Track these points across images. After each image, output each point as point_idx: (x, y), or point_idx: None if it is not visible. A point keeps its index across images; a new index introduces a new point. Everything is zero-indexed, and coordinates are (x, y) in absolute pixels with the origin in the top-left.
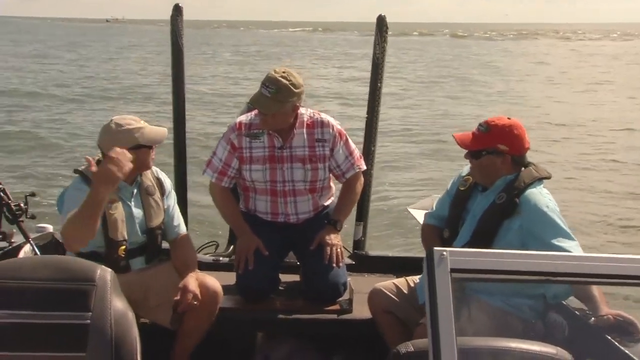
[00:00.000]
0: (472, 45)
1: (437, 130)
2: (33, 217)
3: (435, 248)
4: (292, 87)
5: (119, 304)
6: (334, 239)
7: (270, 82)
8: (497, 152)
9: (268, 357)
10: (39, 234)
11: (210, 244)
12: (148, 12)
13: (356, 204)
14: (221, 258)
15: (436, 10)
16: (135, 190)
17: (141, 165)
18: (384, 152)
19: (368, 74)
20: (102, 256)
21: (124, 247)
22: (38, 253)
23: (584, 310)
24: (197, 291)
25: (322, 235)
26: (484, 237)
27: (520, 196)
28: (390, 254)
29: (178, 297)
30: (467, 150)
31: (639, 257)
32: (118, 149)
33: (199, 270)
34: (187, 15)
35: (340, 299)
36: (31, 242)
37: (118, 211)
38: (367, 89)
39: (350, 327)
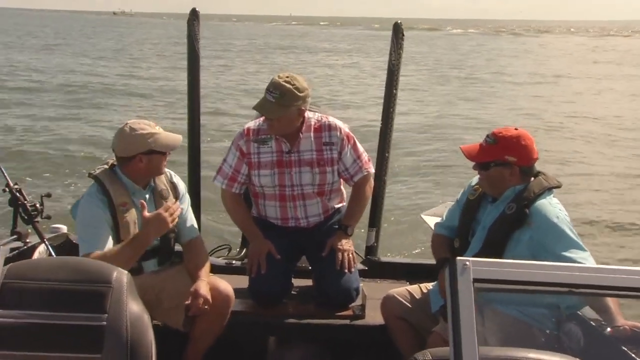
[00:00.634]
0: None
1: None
2: (48, 217)
3: (458, 258)
4: (296, 91)
5: (134, 306)
6: (345, 244)
7: (274, 87)
8: (505, 164)
9: None
10: (54, 235)
11: (223, 247)
12: (155, 5)
13: (369, 210)
14: (234, 261)
15: (446, 6)
16: (148, 195)
17: (153, 170)
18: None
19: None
20: None
21: None
22: (53, 253)
23: (600, 321)
24: (209, 296)
25: (334, 241)
26: (494, 248)
27: (530, 207)
28: (403, 260)
29: (189, 302)
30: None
31: None
32: (173, 205)
33: (211, 274)
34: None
35: (353, 304)
36: (46, 242)
37: (130, 215)
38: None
39: (363, 333)
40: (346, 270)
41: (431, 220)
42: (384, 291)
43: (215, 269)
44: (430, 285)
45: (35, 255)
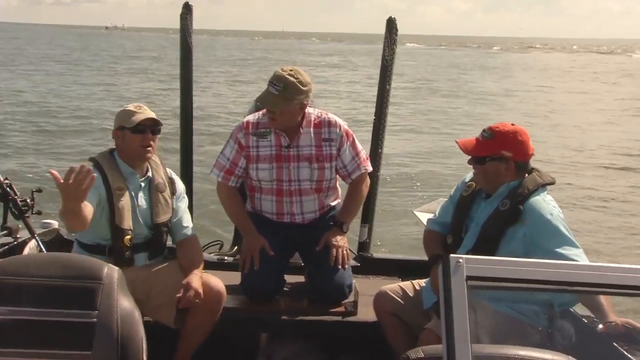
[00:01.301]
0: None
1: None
2: (39, 212)
3: (452, 255)
4: (299, 85)
5: (125, 302)
6: (339, 240)
7: (277, 80)
8: (501, 159)
9: (271, 357)
10: (45, 230)
11: (215, 243)
12: (147, 20)
13: (362, 206)
14: (226, 258)
15: (439, 22)
16: (143, 184)
17: (130, 149)
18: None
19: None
20: (107, 248)
21: (129, 236)
22: (43, 249)
23: (592, 318)
24: (200, 290)
25: (328, 236)
26: (487, 244)
27: (524, 203)
28: (395, 256)
29: (180, 294)
30: (470, 156)
31: None
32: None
33: (203, 270)
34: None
35: (345, 300)
36: (36, 237)
37: (125, 200)
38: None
39: (355, 329)
40: (339, 267)
41: (424, 217)
42: (377, 287)
43: (207, 265)
44: (422, 282)
45: (26, 251)
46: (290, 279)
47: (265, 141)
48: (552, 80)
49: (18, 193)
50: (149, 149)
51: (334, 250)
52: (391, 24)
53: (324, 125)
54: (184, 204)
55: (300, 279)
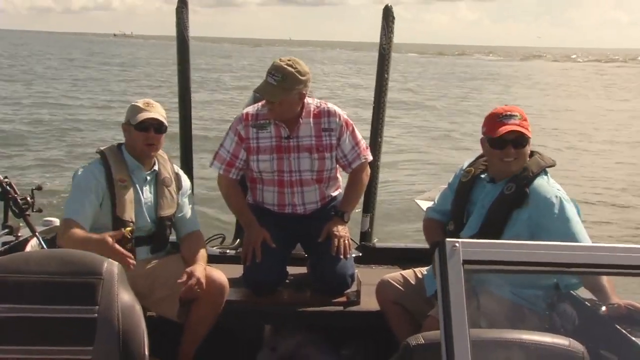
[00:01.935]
0: None
1: None
2: (40, 210)
3: (447, 239)
4: (297, 75)
5: (126, 297)
6: (341, 230)
7: (276, 70)
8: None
9: (275, 349)
10: (46, 228)
11: (217, 236)
12: (156, 28)
13: (363, 196)
14: (228, 251)
15: (446, 31)
16: (149, 177)
17: (135, 146)
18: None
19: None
20: None
21: (130, 228)
22: (45, 247)
23: (594, 300)
24: (203, 280)
25: (330, 226)
26: (493, 228)
27: (529, 186)
28: (397, 245)
29: (183, 279)
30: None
31: None
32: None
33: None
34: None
35: (348, 290)
36: (37, 235)
37: (128, 192)
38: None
39: (358, 319)
40: (341, 256)
41: (425, 205)
42: (379, 277)
43: (210, 259)
44: (424, 270)
45: (27, 249)
46: (292, 270)
47: (265, 132)
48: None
49: (18, 191)
50: (151, 146)
51: (336, 240)
52: (387, 12)
53: (323, 115)
54: (189, 200)
55: (303, 270)
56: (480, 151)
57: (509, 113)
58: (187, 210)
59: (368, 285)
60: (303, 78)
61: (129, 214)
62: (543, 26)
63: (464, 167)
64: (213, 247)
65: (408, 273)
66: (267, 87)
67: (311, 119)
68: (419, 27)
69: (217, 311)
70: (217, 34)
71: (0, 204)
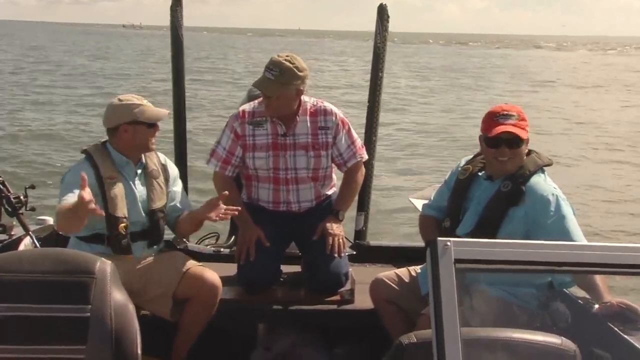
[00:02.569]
0: None
1: None
2: (33, 209)
3: (439, 238)
4: (295, 70)
5: (118, 296)
6: (336, 229)
7: (273, 65)
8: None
9: (269, 348)
10: (39, 226)
11: (211, 234)
12: (165, 19)
13: (357, 194)
14: (222, 249)
15: (455, 20)
16: (139, 171)
17: (140, 143)
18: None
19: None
20: (105, 237)
21: (124, 224)
22: (38, 245)
23: (587, 299)
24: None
25: (324, 225)
26: (488, 225)
27: (525, 184)
28: (391, 243)
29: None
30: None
31: None
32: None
33: (197, 263)
34: (199, 22)
35: (342, 289)
36: (31, 234)
37: (118, 188)
38: None
39: (352, 318)
40: (335, 255)
41: (419, 203)
42: (373, 275)
43: (204, 257)
44: (418, 268)
45: (21, 248)
46: (286, 268)
47: (261, 130)
48: None
49: (11, 190)
50: (154, 140)
51: (330, 239)
52: (382, 11)
53: (320, 113)
54: (178, 187)
55: (297, 268)
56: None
57: (506, 112)
58: (177, 197)
59: (362, 283)
60: (301, 74)
61: (122, 211)
62: (554, 15)
63: (461, 165)
64: (207, 245)
65: (402, 272)
66: (264, 81)
67: (308, 117)
68: (429, 16)
69: (210, 310)
70: (226, 25)
71: None
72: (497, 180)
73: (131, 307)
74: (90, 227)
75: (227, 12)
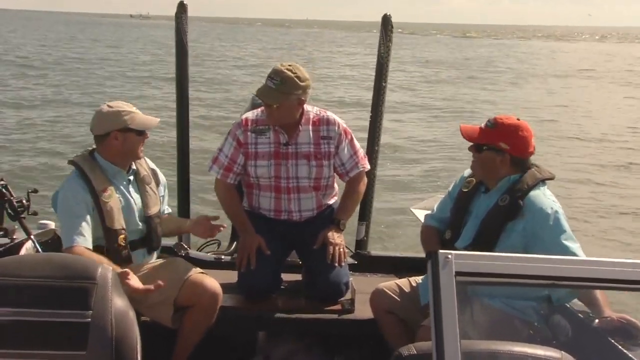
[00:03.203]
0: None
1: None
2: (35, 213)
3: (440, 251)
4: (297, 80)
5: (119, 302)
6: (337, 238)
7: (275, 74)
8: (497, 150)
9: (269, 356)
10: (41, 231)
11: (212, 242)
12: (171, 9)
13: (359, 204)
14: (223, 256)
15: (465, 11)
16: (131, 178)
17: (130, 151)
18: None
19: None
20: (104, 249)
21: (123, 235)
22: (40, 250)
23: (587, 313)
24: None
25: (326, 234)
26: (486, 239)
27: (524, 198)
28: (392, 254)
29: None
30: (471, 143)
31: None
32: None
33: (198, 270)
34: (200, 12)
35: (342, 298)
36: (33, 238)
37: (113, 200)
38: None
39: (352, 327)
40: (336, 264)
41: (421, 214)
42: (374, 285)
43: (205, 264)
44: (419, 279)
45: (22, 252)
46: (287, 277)
47: (263, 138)
48: None
49: (14, 194)
50: (142, 148)
51: (331, 248)
52: (386, 21)
53: (322, 123)
54: (166, 191)
55: (297, 277)
56: None
57: (488, 118)
58: (166, 201)
59: (363, 293)
60: (302, 84)
61: (119, 223)
62: (565, 4)
63: (464, 176)
64: (208, 252)
65: (403, 282)
66: (265, 90)
67: (310, 127)
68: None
69: (210, 318)
70: (235, 15)
71: None
72: (493, 192)
73: (132, 314)
74: (92, 239)
75: (236, 2)
